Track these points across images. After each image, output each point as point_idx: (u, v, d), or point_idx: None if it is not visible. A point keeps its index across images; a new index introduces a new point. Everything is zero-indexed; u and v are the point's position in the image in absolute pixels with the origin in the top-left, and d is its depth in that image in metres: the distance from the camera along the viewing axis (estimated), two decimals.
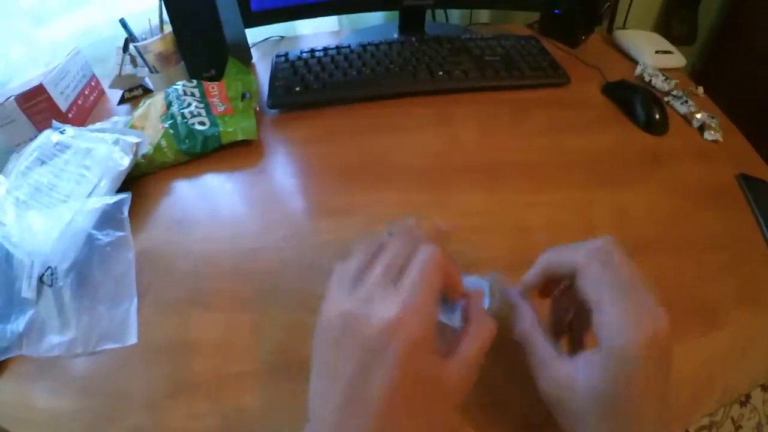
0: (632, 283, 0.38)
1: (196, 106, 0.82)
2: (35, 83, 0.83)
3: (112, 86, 0.96)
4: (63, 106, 0.87)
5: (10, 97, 0.81)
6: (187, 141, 0.77)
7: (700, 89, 0.95)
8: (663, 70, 0.98)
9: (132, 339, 0.55)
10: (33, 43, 0.99)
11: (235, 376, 0.51)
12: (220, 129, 0.79)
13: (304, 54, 0.97)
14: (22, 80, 0.87)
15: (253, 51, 1.08)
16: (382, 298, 0.35)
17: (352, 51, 0.97)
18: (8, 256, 0.61)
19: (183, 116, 0.79)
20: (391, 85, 0.91)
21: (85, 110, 0.94)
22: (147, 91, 0.96)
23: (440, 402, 0.35)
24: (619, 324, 0.36)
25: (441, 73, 0.92)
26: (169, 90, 0.85)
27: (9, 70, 0.93)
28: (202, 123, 0.79)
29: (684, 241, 0.66)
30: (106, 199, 0.65)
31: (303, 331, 0.54)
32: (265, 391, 0.50)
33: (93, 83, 0.98)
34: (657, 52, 1.04)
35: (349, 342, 0.34)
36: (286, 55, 0.97)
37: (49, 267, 0.59)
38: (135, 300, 0.59)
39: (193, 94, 0.84)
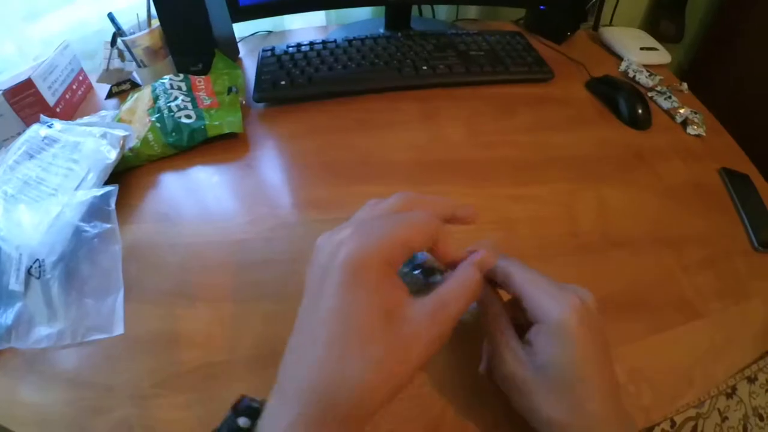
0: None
1: (182, 100, 0.82)
2: (23, 77, 0.83)
3: (99, 81, 0.96)
4: (51, 100, 0.87)
5: None
6: (173, 134, 0.77)
7: (684, 85, 0.97)
8: (648, 67, 1.00)
9: (119, 330, 0.56)
10: (24, 39, 0.99)
11: (221, 366, 0.52)
12: (206, 122, 0.79)
13: (291, 49, 0.97)
14: (10, 75, 0.86)
15: (240, 46, 1.08)
16: (346, 227, 0.36)
17: (337, 46, 0.98)
18: None
19: (170, 110, 0.80)
20: (376, 80, 0.92)
21: (73, 104, 0.94)
22: (135, 86, 0.96)
23: (399, 341, 0.33)
24: (553, 301, 0.39)
25: (426, 68, 0.93)
26: (156, 84, 0.85)
27: (0, 65, 0.94)
28: (188, 116, 0.79)
29: (666, 236, 0.67)
30: (93, 192, 0.65)
31: (289, 322, 0.56)
32: (251, 380, 0.51)
33: (81, 78, 0.98)
34: (642, 48, 1.06)
35: (311, 268, 0.36)
36: (272, 49, 0.97)
37: (36, 259, 0.60)
38: (122, 291, 0.59)
39: (179, 88, 0.85)
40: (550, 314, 0.39)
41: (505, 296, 0.45)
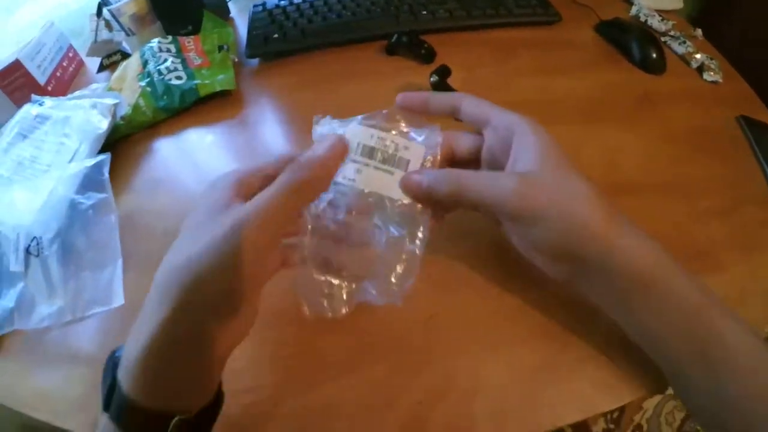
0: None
1: (172, 62, 0.79)
2: (11, 59, 0.80)
3: (89, 54, 0.93)
4: (41, 79, 0.84)
5: None
6: (164, 97, 0.74)
7: (699, 31, 0.91)
8: (659, 12, 0.94)
9: (118, 301, 0.54)
10: (4, 31, 0.97)
11: None
12: (197, 82, 0.76)
13: (282, 2, 0.93)
14: None
15: (231, 6, 1.04)
16: None
17: None
18: None
19: (159, 73, 0.77)
20: (372, 28, 0.87)
21: (64, 82, 0.91)
22: (125, 56, 0.93)
23: (226, 230, 0.35)
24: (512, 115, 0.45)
25: (425, 12, 0.89)
26: (145, 48, 0.82)
27: None
28: (179, 77, 0.76)
29: (679, 184, 0.64)
30: (85, 163, 0.63)
31: (279, 283, 0.53)
32: (251, 342, 0.48)
33: (71, 54, 0.95)
34: None
35: None
36: (263, 4, 0.93)
37: (34, 237, 0.58)
38: (120, 262, 0.57)
39: (168, 50, 0.81)
40: (514, 123, 0.44)
41: None
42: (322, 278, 0.42)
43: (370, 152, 0.44)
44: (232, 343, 0.38)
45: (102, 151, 0.68)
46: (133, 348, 0.35)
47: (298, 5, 0.91)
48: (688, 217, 0.60)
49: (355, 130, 0.44)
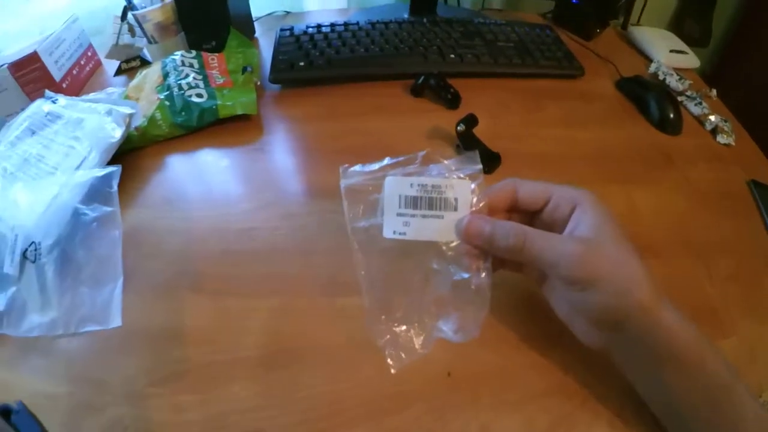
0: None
1: (194, 78, 0.78)
2: (29, 51, 0.79)
3: (108, 56, 0.92)
4: (57, 75, 0.83)
5: (3, 65, 0.78)
6: (182, 113, 0.73)
7: (714, 92, 0.94)
8: (677, 70, 0.97)
9: (116, 322, 0.52)
10: (27, 16, 0.96)
11: (223, 365, 0.49)
12: (218, 102, 0.75)
13: (310, 29, 0.93)
14: (16, 49, 0.83)
15: (256, 25, 1.04)
16: None
17: (360, 28, 0.93)
18: None
19: (180, 87, 0.76)
20: (399, 65, 0.88)
21: (79, 81, 0.90)
22: (145, 63, 0.92)
23: None
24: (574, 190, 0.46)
25: (453, 56, 0.89)
26: (167, 60, 0.82)
27: (3, 40, 0.90)
28: (199, 95, 0.75)
29: (692, 244, 0.65)
30: (94, 172, 0.61)
31: (294, 316, 0.53)
32: (254, 379, 0.48)
33: (89, 53, 0.94)
34: (672, 51, 1.03)
35: None
36: (291, 29, 0.93)
37: (32, 242, 0.56)
38: (120, 281, 0.56)
39: (191, 65, 0.81)
40: (579, 196, 0.45)
41: None
42: (395, 328, 0.44)
43: (414, 202, 0.44)
44: None
45: (112, 160, 0.66)
46: None
47: (326, 34, 0.91)
48: (703, 277, 0.60)
49: (393, 183, 0.44)
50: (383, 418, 0.46)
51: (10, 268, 0.55)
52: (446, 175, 0.45)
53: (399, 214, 0.44)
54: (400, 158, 0.46)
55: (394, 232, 0.44)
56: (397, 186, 0.44)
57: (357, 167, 0.46)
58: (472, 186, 0.45)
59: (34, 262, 0.56)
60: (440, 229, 0.44)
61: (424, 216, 0.44)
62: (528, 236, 0.43)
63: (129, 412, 0.46)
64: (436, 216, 0.44)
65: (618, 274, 0.41)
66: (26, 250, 0.56)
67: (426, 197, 0.44)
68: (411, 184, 0.44)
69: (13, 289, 0.55)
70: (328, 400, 0.47)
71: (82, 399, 0.47)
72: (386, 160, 0.46)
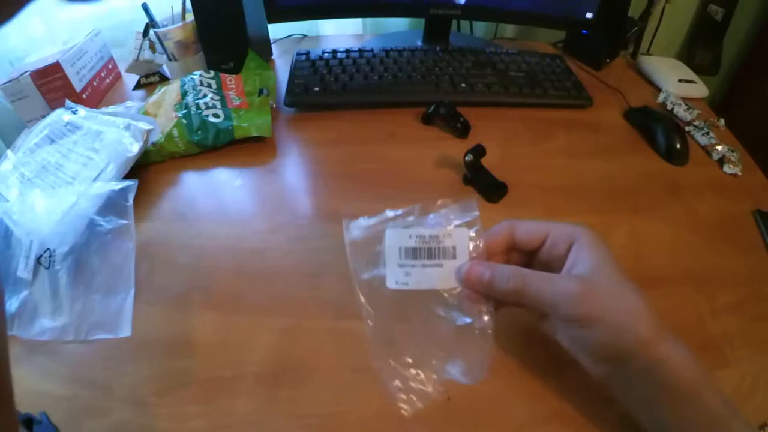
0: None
1: (211, 98, 0.80)
2: (52, 60, 0.82)
3: (128, 70, 0.95)
4: (78, 86, 0.86)
5: (26, 72, 0.80)
6: (199, 132, 0.75)
7: (722, 121, 0.94)
8: (685, 99, 0.97)
9: (126, 332, 0.54)
10: (53, 20, 0.98)
11: (227, 379, 0.50)
12: (234, 123, 0.77)
13: (326, 54, 0.95)
14: (39, 56, 0.85)
15: (273, 47, 1.07)
16: None
17: (374, 55, 0.95)
18: (7, 233, 0.60)
19: (197, 107, 0.78)
20: (412, 93, 0.90)
21: (99, 92, 0.92)
22: (163, 79, 0.95)
23: None
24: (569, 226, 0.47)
25: (464, 85, 0.91)
26: (186, 79, 0.84)
27: (28, 45, 0.93)
28: (216, 115, 0.78)
29: (696, 275, 0.64)
30: (111, 185, 0.63)
31: (300, 337, 0.54)
32: (257, 396, 0.49)
33: (110, 66, 0.97)
34: (680, 80, 1.03)
35: None
36: (307, 53, 0.95)
37: (47, 248, 0.58)
38: (132, 291, 0.57)
39: (209, 85, 0.83)
40: (575, 232, 0.46)
41: None
42: (405, 372, 0.46)
43: (413, 253, 0.46)
44: None
45: (128, 173, 0.68)
46: None
47: (341, 60, 0.94)
48: (706, 309, 0.60)
49: (393, 236, 0.46)
50: None
51: (24, 272, 0.57)
52: (443, 224, 0.47)
53: (400, 265, 0.46)
54: (399, 211, 0.47)
55: (397, 282, 0.45)
56: (396, 238, 0.46)
57: (360, 220, 0.48)
58: (470, 233, 0.46)
59: (48, 268, 0.57)
60: (441, 277, 0.46)
61: (424, 266, 0.46)
62: (527, 279, 0.44)
63: (133, 419, 0.47)
64: (436, 265, 0.46)
65: (617, 310, 0.42)
66: (41, 256, 0.58)
67: (425, 248, 0.46)
68: (410, 236, 0.46)
69: (26, 292, 0.56)
70: (330, 422, 0.48)
71: (87, 402, 0.48)
72: (387, 212, 0.48)
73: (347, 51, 0.96)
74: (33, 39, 0.95)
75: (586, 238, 0.45)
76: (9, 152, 0.72)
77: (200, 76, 0.84)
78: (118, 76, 0.99)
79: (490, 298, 0.46)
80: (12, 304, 0.56)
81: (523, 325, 0.52)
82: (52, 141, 0.72)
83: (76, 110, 0.76)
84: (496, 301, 0.47)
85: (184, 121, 0.76)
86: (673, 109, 0.95)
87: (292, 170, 0.77)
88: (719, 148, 0.84)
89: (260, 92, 0.85)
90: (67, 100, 0.78)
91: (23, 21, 0.93)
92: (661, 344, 0.41)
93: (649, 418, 0.44)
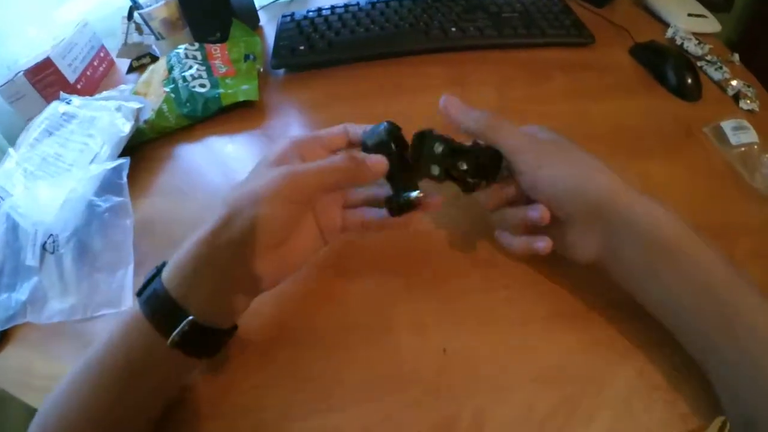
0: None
1: (197, 69, 0.80)
2: (42, 57, 0.83)
3: (119, 56, 0.95)
4: (71, 77, 0.87)
5: (20, 72, 0.81)
6: (187, 104, 0.75)
7: (736, 56, 0.88)
8: (696, 35, 0.91)
9: (128, 304, 0.55)
10: (49, 22, 0.99)
11: (228, 344, 0.49)
12: (221, 91, 0.77)
13: (311, 13, 0.93)
14: (30, 57, 0.87)
15: (261, 14, 1.05)
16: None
17: (360, 9, 0.93)
18: (15, 227, 0.62)
19: (184, 79, 0.78)
20: (401, 43, 0.87)
21: (94, 81, 0.93)
22: (155, 59, 0.95)
23: (283, 172, 0.43)
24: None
25: (455, 29, 0.87)
26: (171, 54, 0.83)
27: (26, 48, 0.94)
28: (202, 85, 0.77)
29: (714, 219, 0.60)
30: (105, 165, 0.64)
31: (298, 300, 0.54)
32: (258, 359, 0.49)
33: (102, 54, 0.98)
34: (690, 15, 0.96)
35: None
36: (292, 14, 0.94)
37: (51, 234, 0.60)
38: (131, 266, 0.58)
39: (194, 57, 0.82)
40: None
41: None
42: None
43: None
44: (259, 279, 0.43)
45: (124, 153, 0.69)
46: (182, 247, 0.42)
47: (326, 17, 0.92)
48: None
49: None
50: (372, 399, 0.46)
51: (32, 261, 0.59)
52: None
53: None
54: None
55: None
56: None
57: None
58: None
59: (52, 253, 0.59)
60: None
61: None
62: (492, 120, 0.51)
63: None
64: None
65: (572, 160, 0.47)
66: (45, 242, 0.59)
67: None
68: None
69: (35, 279, 0.58)
70: (328, 380, 0.48)
71: None
72: None
73: (332, 8, 0.94)
74: (31, 42, 0.95)
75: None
76: (11, 150, 0.74)
77: (185, 49, 0.83)
78: (112, 63, 1.00)
79: None
80: (23, 293, 0.57)
81: (514, 279, 0.53)
82: (51, 133, 0.73)
83: (70, 100, 0.77)
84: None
85: (173, 96, 0.76)
86: (682, 44, 0.88)
87: (284, 130, 0.76)
88: (734, 83, 0.79)
89: (246, 58, 0.84)
90: (61, 92, 0.79)
91: (21, 26, 0.95)
92: (635, 199, 0.44)
93: (651, 287, 0.44)
